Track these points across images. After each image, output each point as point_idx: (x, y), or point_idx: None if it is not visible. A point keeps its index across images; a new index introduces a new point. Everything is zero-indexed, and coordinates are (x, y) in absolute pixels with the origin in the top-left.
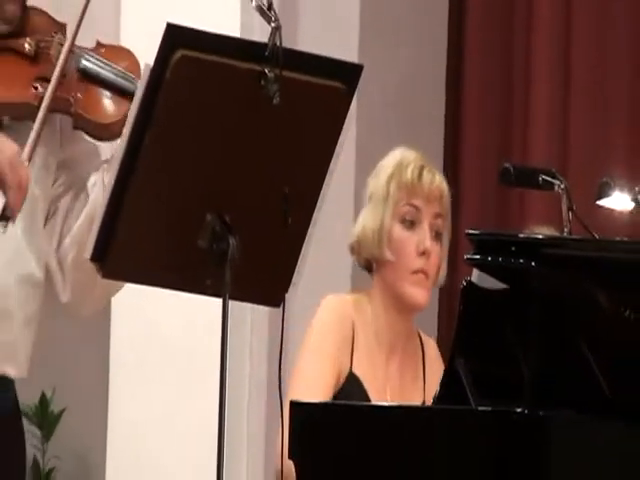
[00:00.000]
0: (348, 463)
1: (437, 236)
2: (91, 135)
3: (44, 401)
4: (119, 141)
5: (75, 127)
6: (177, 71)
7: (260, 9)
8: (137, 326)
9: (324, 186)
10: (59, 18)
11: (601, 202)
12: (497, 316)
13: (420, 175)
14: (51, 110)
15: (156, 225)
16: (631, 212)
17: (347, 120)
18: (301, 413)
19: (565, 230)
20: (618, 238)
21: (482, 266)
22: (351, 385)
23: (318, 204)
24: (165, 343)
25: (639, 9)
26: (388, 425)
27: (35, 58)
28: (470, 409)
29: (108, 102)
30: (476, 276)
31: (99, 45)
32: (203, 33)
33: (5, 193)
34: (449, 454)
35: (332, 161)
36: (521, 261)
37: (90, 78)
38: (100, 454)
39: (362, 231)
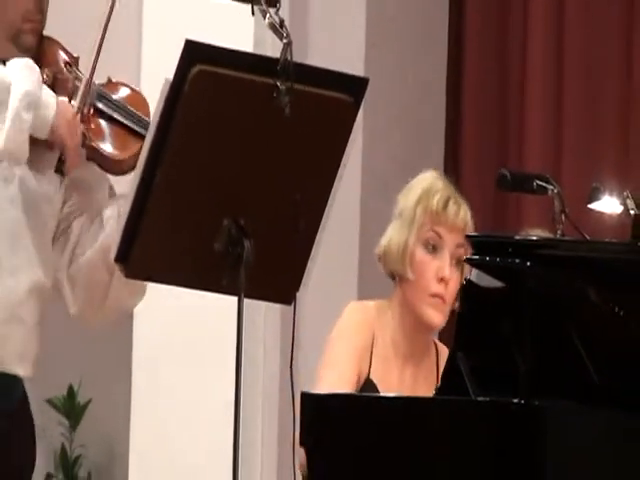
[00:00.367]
0: (355, 449)
1: (458, 263)
2: (102, 168)
3: (71, 393)
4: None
5: (88, 158)
6: (195, 85)
7: (272, 26)
8: (158, 322)
9: (332, 192)
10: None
11: (592, 206)
12: (495, 312)
13: (446, 205)
14: None
15: (176, 229)
16: (620, 215)
17: (354, 130)
18: (311, 403)
19: (558, 232)
20: (608, 239)
21: (481, 266)
22: (368, 390)
23: (326, 209)
24: (184, 338)
25: (629, 26)
26: (392, 414)
27: (52, 89)
28: (470, 400)
29: (120, 140)
30: (475, 275)
31: (110, 81)
32: (219, 49)
33: (64, 153)
34: (450, 442)
35: (340, 169)
36: (517, 261)
37: (105, 116)
38: (123, 442)
39: (388, 245)
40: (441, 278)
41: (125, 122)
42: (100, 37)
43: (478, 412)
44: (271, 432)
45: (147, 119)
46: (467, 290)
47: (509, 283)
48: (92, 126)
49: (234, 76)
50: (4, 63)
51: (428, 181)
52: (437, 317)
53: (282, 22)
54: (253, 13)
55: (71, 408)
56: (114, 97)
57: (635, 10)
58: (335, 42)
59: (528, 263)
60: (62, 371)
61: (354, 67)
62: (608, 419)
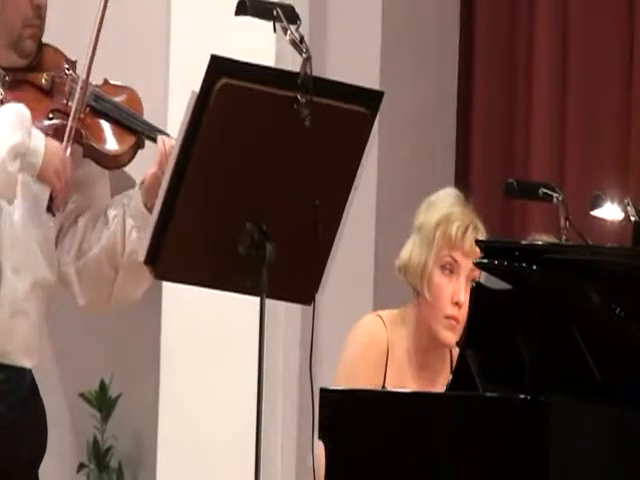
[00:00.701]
0: (370, 442)
1: (473, 281)
2: (99, 164)
3: (103, 387)
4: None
5: (85, 155)
6: (220, 97)
7: (293, 42)
8: (185, 321)
9: (349, 199)
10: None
11: (594, 212)
12: (502, 313)
13: (464, 234)
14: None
15: (202, 233)
16: (621, 221)
17: (370, 140)
18: (329, 398)
19: (563, 237)
20: (609, 245)
21: (489, 269)
22: None
23: (344, 215)
24: (210, 336)
25: (629, 44)
26: (405, 408)
27: (51, 92)
28: (478, 395)
29: (115, 136)
30: (484, 278)
31: (106, 83)
32: (243, 63)
33: (53, 192)
34: (459, 434)
35: (356, 177)
36: (524, 265)
37: (100, 114)
38: (152, 434)
39: (408, 261)
40: (456, 302)
41: (119, 119)
42: (94, 40)
43: (487, 406)
44: (291, 425)
45: (140, 115)
46: (477, 292)
47: (516, 285)
48: (88, 125)
49: (257, 89)
50: (5, 70)
51: (448, 203)
52: (451, 337)
53: (302, 38)
54: (275, 30)
55: (103, 402)
56: (109, 97)
57: (635, 25)
58: (351, 57)
59: (534, 267)
60: (94, 367)
61: (369, 80)
62: (609, 415)
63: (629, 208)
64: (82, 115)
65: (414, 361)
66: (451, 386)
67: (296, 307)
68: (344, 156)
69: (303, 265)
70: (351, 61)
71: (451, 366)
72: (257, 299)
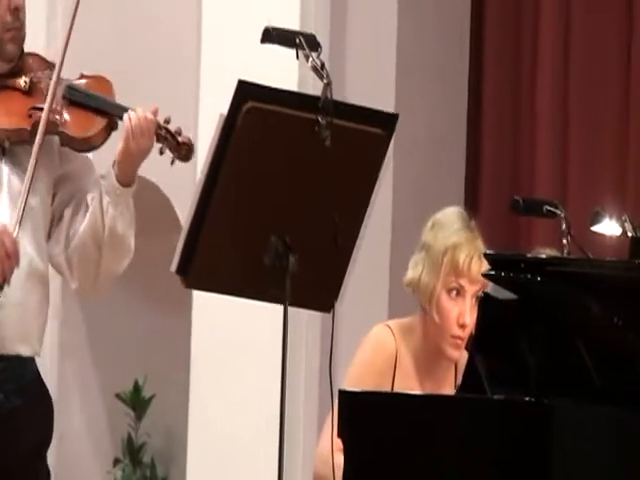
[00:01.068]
0: (385, 441)
1: (477, 300)
2: (74, 148)
3: (137, 388)
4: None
5: (62, 144)
6: (246, 119)
7: (314, 68)
8: (213, 327)
9: (367, 214)
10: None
11: (594, 228)
12: (508, 321)
13: (470, 264)
14: (45, 134)
15: (230, 245)
16: (619, 236)
17: (386, 159)
18: (347, 399)
19: (565, 251)
20: (608, 258)
21: (497, 280)
22: None
23: (362, 228)
24: (236, 341)
25: (628, 62)
26: (418, 409)
27: (29, 92)
28: (486, 398)
29: (87, 120)
30: (491, 288)
31: (82, 76)
32: (268, 88)
33: None
34: (469, 435)
35: (373, 193)
36: (528, 276)
37: (74, 103)
38: (183, 431)
39: (418, 282)
40: (462, 324)
41: (91, 104)
42: (65, 41)
43: (494, 408)
44: (312, 423)
45: (111, 99)
46: (485, 301)
47: (521, 295)
48: (64, 116)
49: (281, 112)
50: None
51: (455, 227)
52: (456, 354)
53: (323, 65)
54: (298, 57)
55: (137, 401)
56: (83, 87)
57: (634, 42)
58: (368, 82)
59: (538, 278)
60: (129, 369)
61: (385, 104)
62: (608, 416)
63: (626, 224)
64: (58, 107)
65: (420, 370)
66: (461, 389)
67: (317, 315)
68: (362, 174)
69: (323, 275)
70: (368, 86)
71: (456, 375)
72: (280, 307)
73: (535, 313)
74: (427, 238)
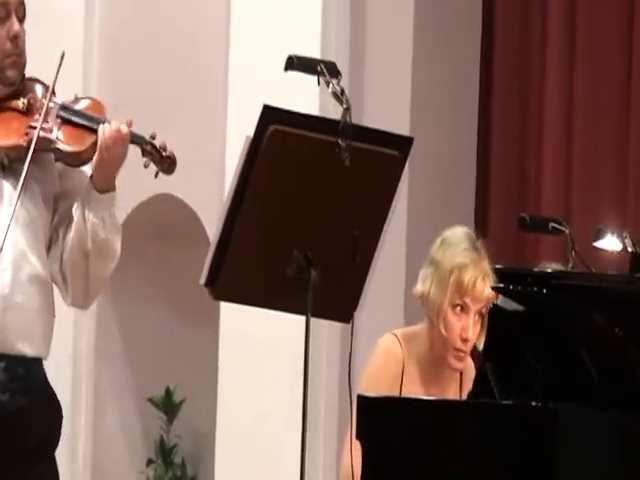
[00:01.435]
0: (400, 442)
1: (480, 316)
2: (67, 163)
3: (168, 393)
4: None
5: (56, 160)
6: (271, 141)
7: (334, 94)
8: (240, 336)
9: (384, 229)
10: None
11: (597, 244)
12: (516, 331)
13: (474, 284)
14: (37, 150)
15: (255, 259)
16: (620, 252)
17: (401, 180)
18: (365, 403)
19: (569, 265)
20: (610, 272)
21: (505, 293)
22: None
23: (379, 243)
24: (261, 350)
25: (628, 86)
26: (431, 413)
27: (27, 112)
28: (496, 403)
29: (78, 136)
30: (501, 300)
31: (76, 97)
32: (291, 112)
33: None
34: (479, 437)
35: (390, 211)
36: (535, 289)
37: (66, 121)
38: (211, 434)
39: (427, 296)
40: (465, 338)
41: (82, 122)
42: (58, 64)
43: (503, 412)
44: (332, 426)
45: (101, 117)
46: (494, 312)
47: (529, 307)
48: (56, 131)
49: (303, 134)
50: None
51: (462, 247)
52: (458, 365)
53: (342, 90)
54: (319, 83)
55: (168, 406)
56: (75, 107)
57: (633, 70)
58: (385, 107)
59: (544, 291)
60: (161, 375)
61: (401, 128)
62: (609, 422)
63: (627, 240)
64: (52, 125)
65: (425, 376)
66: (472, 395)
67: (336, 325)
68: (379, 192)
69: (343, 288)
70: (385, 111)
71: (461, 383)
72: (302, 318)
73: (541, 324)
74: (436, 255)
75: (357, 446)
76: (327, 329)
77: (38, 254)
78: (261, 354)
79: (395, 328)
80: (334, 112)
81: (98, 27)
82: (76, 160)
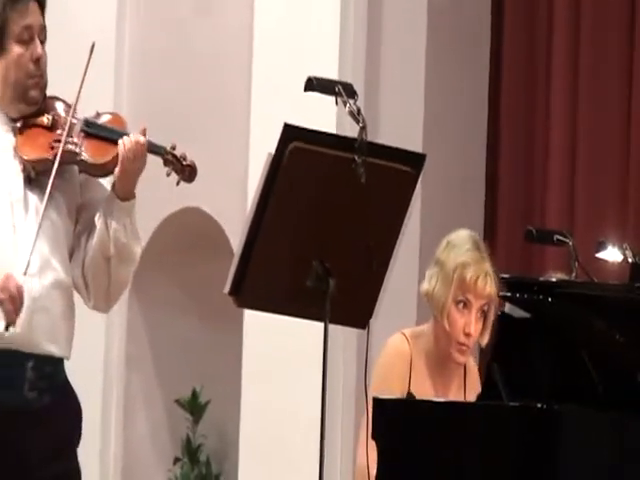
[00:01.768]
0: (414, 442)
1: (482, 313)
2: (91, 174)
3: (195, 395)
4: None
5: (80, 171)
6: (291, 157)
7: (351, 114)
8: (262, 341)
9: (398, 241)
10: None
11: (599, 255)
12: (523, 336)
13: (476, 281)
14: (63, 162)
15: (276, 269)
16: (620, 263)
17: (414, 194)
18: (380, 406)
19: (573, 275)
20: (611, 282)
21: (512, 301)
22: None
23: (394, 254)
24: (282, 354)
25: (629, 103)
26: (442, 414)
27: (52, 127)
28: (503, 404)
29: (102, 149)
30: (508, 308)
31: (97, 113)
32: (310, 130)
33: (1, 308)
34: (488, 436)
35: (403, 223)
36: (541, 297)
37: (90, 135)
38: (235, 433)
39: (432, 294)
40: (467, 333)
41: (104, 135)
42: (80, 82)
43: (510, 413)
44: (349, 427)
45: (123, 130)
46: (502, 319)
47: (535, 314)
48: (81, 145)
49: (321, 151)
50: (15, 121)
51: (465, 248)
52: (461, 358)
53: (359, 110)
54: (337, 103)
55: (194, 407)
56: (98, 121)
57: (633, 97)
58: (399, 125)
59: (549, 299)
60: (187, 378)
61: (414, 145)
62: (611, 422)
63: (627, 252)
64: (77, 138)
65: (432, 370)
66: (481, 397)
67: (353, 331)
68: (393, 206)
69: (359, 296)
70: (399, 129)
71: (465, 377)
72: (321, 324)
73: (546, 330)
74: (441, 256)
75: (372, 446)
76: (344, 335)
77: (61, 261)
78: (282, 358)
79: None
80: (351, 130)
81: (128, 48)
82: (100, 171)
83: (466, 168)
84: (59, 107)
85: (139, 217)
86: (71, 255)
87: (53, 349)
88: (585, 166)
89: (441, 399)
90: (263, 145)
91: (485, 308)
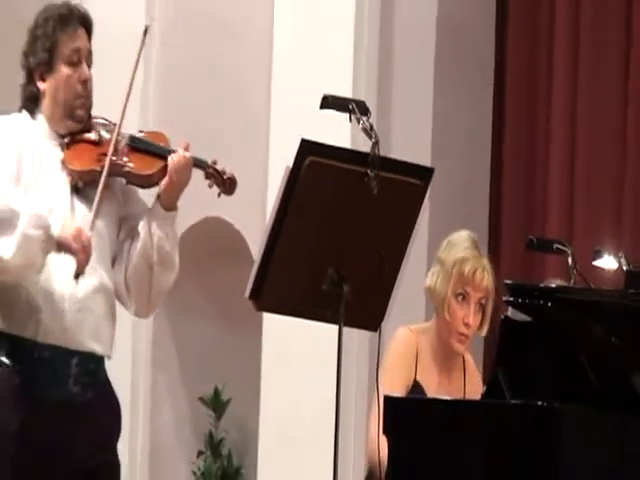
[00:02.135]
0: (423, 438)
1: (481, 306)
2: (138, 185)
3: (217, 393)
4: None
5: (127, 182)
6: (308, 171)
7: (364, 129)
8: (280, 342)
9: (408, 249)
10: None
11: (596, 263)
12: (525, 339)
13: (474, 274)
14: (110, 174)
15: (294, 275)
16: (616, 270)
17: (423, 205)
18: (390, 403)
19: (571, 281)
20: (607, 288)
21: (515, 305)
22: (416, 389)
23: (403, 262)
24: (299, 354)
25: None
26: (449, 412)
27: (99, 142)
28: (506, 402)
29: (147, 162)
30: (510, 312)
31: (141, 131)
32: (326, 145)
33: (74, 258)
34: (492, 433)
35: (413, 233)
36: (541, 302)
37: (135, 149)
38: (255, 429)
39: (434, 289)
40: (466, 324)
41: (149, 149)
42: (125, 101)
43: (513, 412)
44: (361, 423)
45: (165, 146)
46: (505, 323)
47: (536, 318)
48: (127, 158)
49: (336, 165)
50: (63, 137)
51: (464, 246)
52: (461, 347)
53: (371, 126)
54: (351, 120)
55: (217, 404)
56: (142, 137)
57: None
58: (409, 141)
59: (549, 304)
60: (210, 377)
61: (423, 159)
62: (609, 422)
63: (622, 260)
64: (123, 152)
65: (436, 362)
66: (485, 395)
67: (366, 333)
68: (403, 217)
69: (371, 300)
70: (409, 144)
71: (464, 368)
72: (336, 327)
73: (546, 333)
74: (442, 255)
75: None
76: (357, 336)
77: (105, 268)
78: (298, 358)
79: None
80: (364, 145)
81: (155, 67)
82: (146, 182)
83: (471, 181)
84: (104, 125)
85: None
86: (113, 262)
87: (96, 347)
88: (583, 179)
89: (445, 397)
90: (282, 159)
91: (483, 301)
